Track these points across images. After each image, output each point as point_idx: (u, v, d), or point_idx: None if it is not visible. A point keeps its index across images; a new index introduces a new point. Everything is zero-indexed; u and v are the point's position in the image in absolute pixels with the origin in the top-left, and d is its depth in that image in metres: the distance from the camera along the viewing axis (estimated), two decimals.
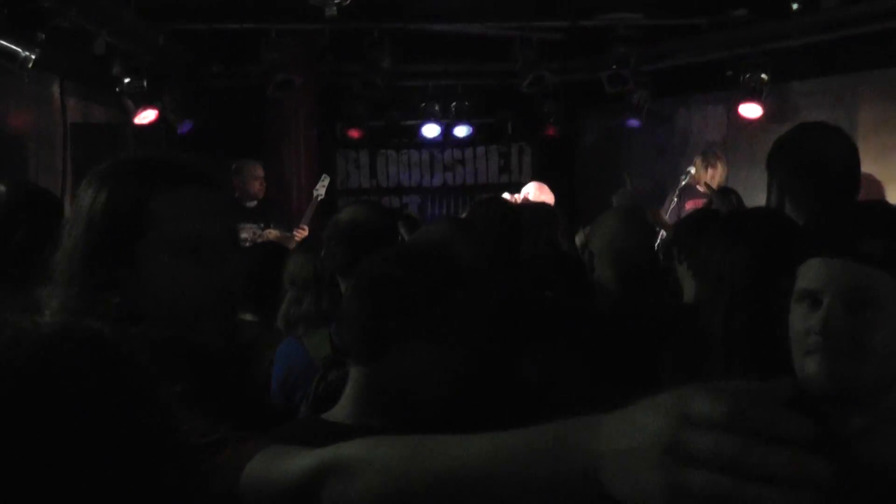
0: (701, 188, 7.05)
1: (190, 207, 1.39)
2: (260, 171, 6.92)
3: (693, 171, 6.99)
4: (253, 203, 6.83)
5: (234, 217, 1.57)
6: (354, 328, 1.65)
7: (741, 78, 7.38)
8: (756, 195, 6.97)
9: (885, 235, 1.53)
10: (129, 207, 1.36)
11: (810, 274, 1.55)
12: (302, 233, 6.38)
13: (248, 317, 3.18)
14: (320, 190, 6.76)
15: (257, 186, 6.87)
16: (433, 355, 1.61)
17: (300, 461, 1.04)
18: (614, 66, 7.66)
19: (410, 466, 0.93)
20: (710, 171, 7.06)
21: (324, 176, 6.96)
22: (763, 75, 7.30)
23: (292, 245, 4.99)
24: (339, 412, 1.66)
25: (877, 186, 6.33)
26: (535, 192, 6.64)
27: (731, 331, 1.74)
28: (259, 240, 6.23)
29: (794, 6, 7.02)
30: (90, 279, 1.32)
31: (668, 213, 6.73)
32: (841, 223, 1.62)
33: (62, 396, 0.84)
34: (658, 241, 6.35)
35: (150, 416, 0.91)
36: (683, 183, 6.89)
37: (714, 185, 7.12)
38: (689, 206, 6.78)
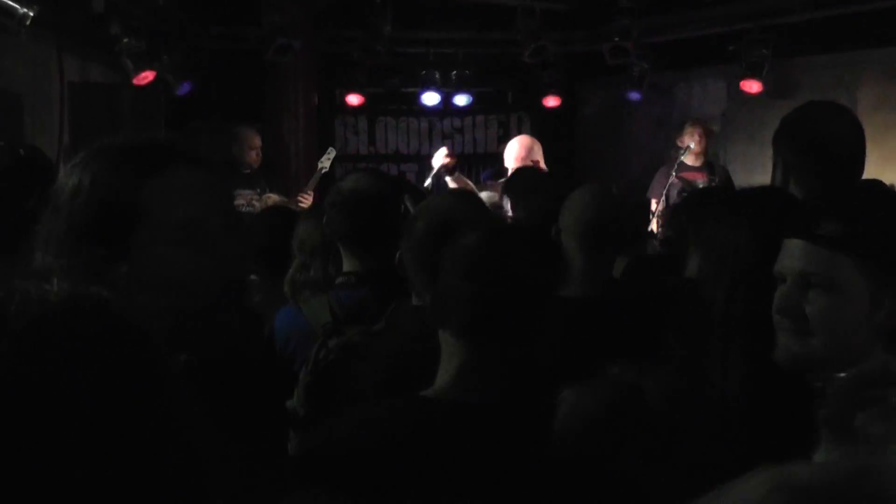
0: (688, 161, 7.05)
1: (181, 193, 1.31)
2: (257, 141, 6.77)
3: (692, 145, 6.99)
4: (248, 170, 6.72)
5: (228, 195, 1.51)
6: (458, 305, 1.66)
7: (742, 53, 7.35)
8: (755, 170, 6.98)
9: (844, 218, 1.55)
10: (117, 199, 1.28)
11: (781, 254, 1.61)
12: (307, 199, 6.29)
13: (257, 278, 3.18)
14: (325, 163, 6.60)
15: (253, 156, 6.72)
16: (527, 337, 1.67)
17: None
18: (616, 38, 7.63)
19: None
20: (695, 142, 7.06)
21: (330, 149, 6.80)
22: (764, 50, 7.28)
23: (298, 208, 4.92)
24: (438, 389, 1.67)
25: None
26: (518, 151, 5.55)
27: (732, 309, 1.75)
28: (258, 205, 6.16)
29: None
30: (87, 269, 1.22)
31: (665, 189, 6.72)
32: (808, 204, 1.65)
33: (66, 362, 0.84)
34: (652, 216, 6.37)
35: (153, 382, 0.91)
36: (682, 158, 6.89)
37: (699, 156, 7.14)
38: (676, 181, 6.79)
